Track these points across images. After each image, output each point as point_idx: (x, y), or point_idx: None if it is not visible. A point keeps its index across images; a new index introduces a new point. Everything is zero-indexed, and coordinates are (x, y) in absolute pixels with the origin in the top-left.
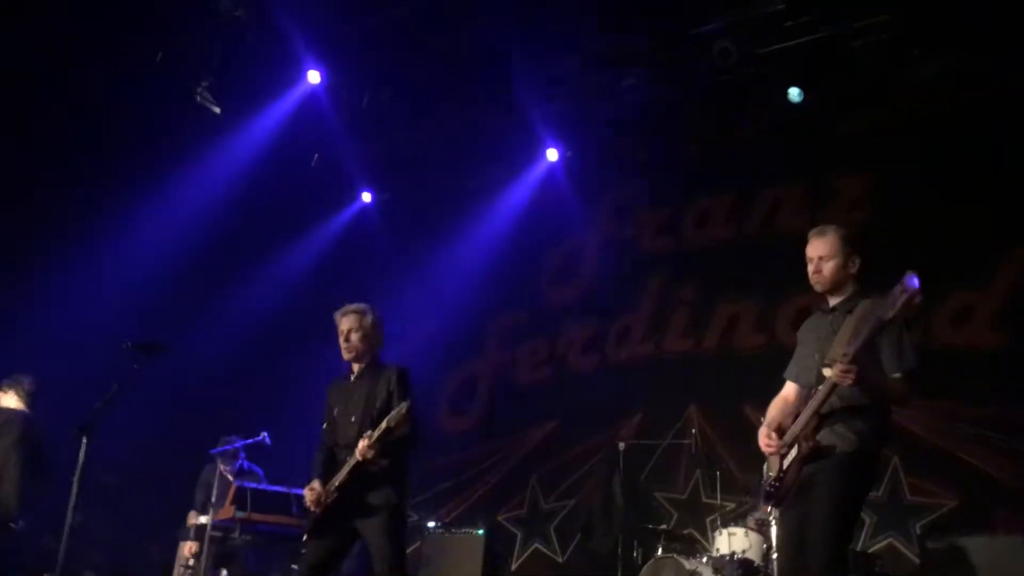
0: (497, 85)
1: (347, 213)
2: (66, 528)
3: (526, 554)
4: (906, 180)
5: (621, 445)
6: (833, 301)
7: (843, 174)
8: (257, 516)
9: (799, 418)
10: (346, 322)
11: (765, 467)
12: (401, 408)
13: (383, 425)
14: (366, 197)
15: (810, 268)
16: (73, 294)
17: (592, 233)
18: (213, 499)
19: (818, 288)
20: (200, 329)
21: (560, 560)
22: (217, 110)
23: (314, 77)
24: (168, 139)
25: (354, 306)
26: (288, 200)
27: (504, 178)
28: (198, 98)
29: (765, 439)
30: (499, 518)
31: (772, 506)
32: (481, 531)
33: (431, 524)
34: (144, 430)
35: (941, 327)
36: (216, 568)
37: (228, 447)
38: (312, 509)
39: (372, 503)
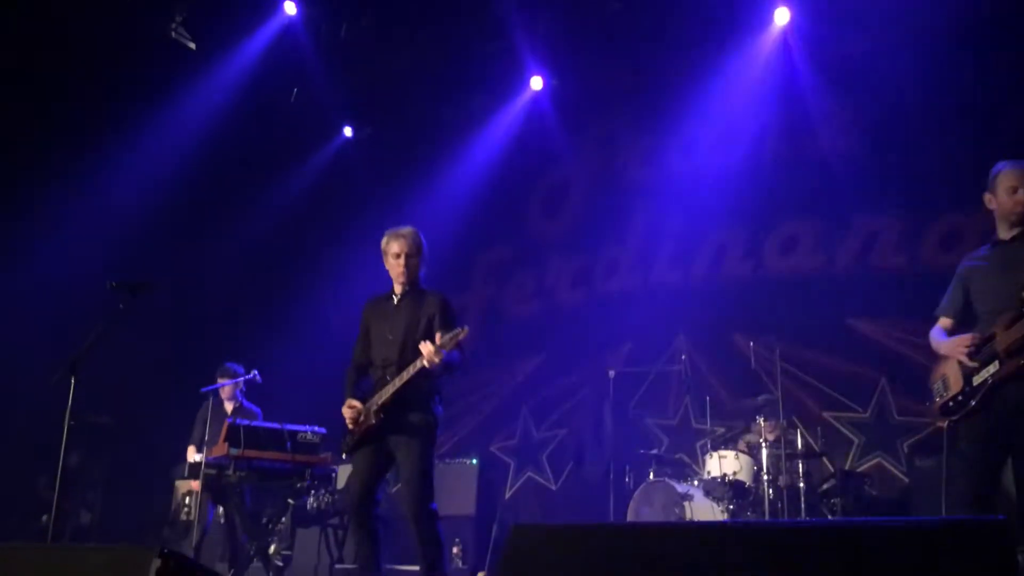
0: (479, 11)
1: (329, 148)
2: (59, 470)
3: (519, 482)
4: (895, 103)
5: (611, 373)
6: (1011, 233)
7: (829, 99)
8: (251, 453)
9: (1002, 335)
10: (397, 245)
11: (939, 382)
12: (461, 331)
13: (445, 338)
14: (347, 131)
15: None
16: (55, 233)
17: (578, 164)
18: (207, 437)
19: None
20: (186, 266)
21: (553, 487)
22: (192, 46)
23: (290, 8)
24: (144, 76)
25: (405, 229)
26: (269, 136)
27: (488, 109)
28: (173, 34)
29: (962, 348)
30: (492, 448)
31: (951, 421)
32: (474, 461)
33: None
34: (137, 369)
35: (930, 249)
36: (213, 505)
37: (217, 385)
38: (351, 428)
39: (410, 422)
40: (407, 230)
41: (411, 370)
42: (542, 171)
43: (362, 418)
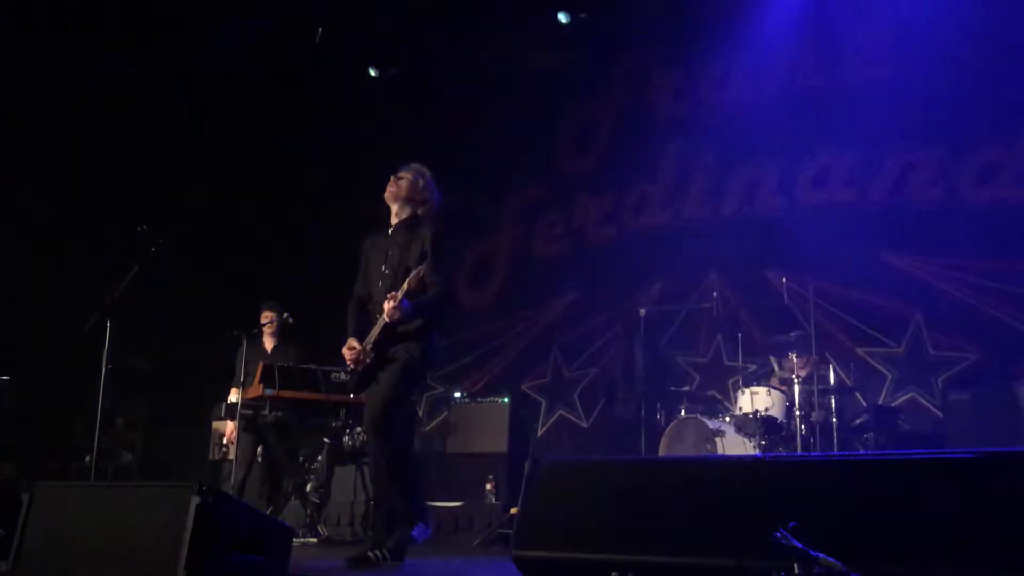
0: None
1: (354, 90)
2: (98, 412)
3: (551, 420)
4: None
5: (642, 311)
6: None
7: (861, 32)
8: (286, 393)
9: None
10: (402, 171)
11: None
12: (418, 270)
13: (404, 287)
14: (372, 72)
15: None
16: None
17: (607, 99)
18: (242, 377)
19: None
20: (218, 208)
21: (585, 425)
22: None
23: None
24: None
25: (415, 164)
26: (295, 76)
27: (514, 45)
28: None
29: None
30: (523, 387)
31: None
32: (506, 399)
33: (457, 395)
34: (173, 312)
35: (966, 183)
36: (253, 445)
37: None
38: (352, 367)
39: (394, 356)
40: (417, 165)
41: (379, 325)
42: (570, 108)
43: (361, 356)
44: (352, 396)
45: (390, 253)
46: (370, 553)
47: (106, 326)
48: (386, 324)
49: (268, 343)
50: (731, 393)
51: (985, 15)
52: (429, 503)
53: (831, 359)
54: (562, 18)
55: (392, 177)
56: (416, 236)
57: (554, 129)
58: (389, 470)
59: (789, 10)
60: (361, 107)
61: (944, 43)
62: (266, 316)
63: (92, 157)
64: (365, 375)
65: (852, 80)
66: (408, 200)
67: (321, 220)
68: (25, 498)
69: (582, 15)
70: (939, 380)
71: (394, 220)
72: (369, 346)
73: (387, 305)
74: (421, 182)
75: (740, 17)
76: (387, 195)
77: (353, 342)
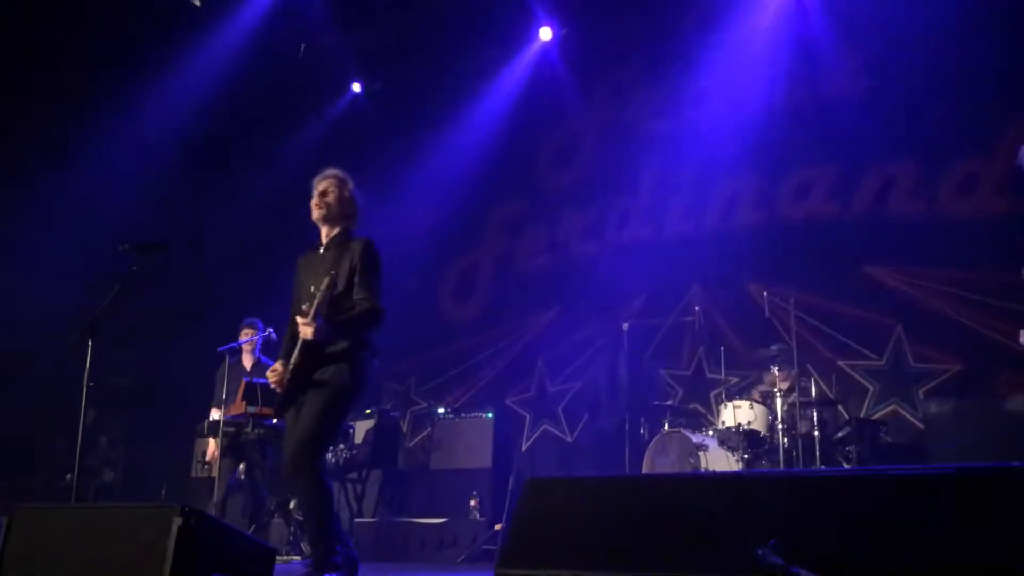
0: None
1: (339, 105)
2: (80, 430)
3: (536, 435)
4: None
5: (625, 325)
6: None
7: (843, 44)
8: (268, 410)
9: None
10: (323, 184)
11: None
12: (327, 282)
13: (314, 303)
14: (356, 87)
15: None
16: (70, 194)
17: (589, 115)
18: (224, 395)
19: None
20: (199, 226)
21: (569, 439)
22: (198, 3)
23: None
24: (149, 34)
25: (333, 171)
26: (278, 93)
27: (497, 61)
28: None
29: None
30: (507, 401)
31: None
32: (490, 414)
33: (440, 410)
34: (154, 330)
35: (947, 195)
36: (235, 463)
37: (234, 344)
38: (277, 390)
39: (318, 380)
40: (336, 171)
41: (299, 346)
42: (553, 123)
43: (284, 379)
44: (275, 420)
45: (320, 271)
46: None
47: (88, 344)
48: (308, 345)
49: (247, 361)
50: (714, 407)
51: (964, 27)
52: (413, 520)
53: (813, 372)
54: (544, 35)
55: (316, 196)
56: (347, 251)
57: (537, 143)
58: (307, 513)
59: (769, 25)
60: (342, 121)
61: (923, 56)
62: (245, 334)
63: None
64: (286, 398)
65: (832, 93)
66: (338, 217)
67: (302, 236)
68: (3, 521)
69: (564, 31)
70: (920, 392)
71: (324, 239)
72: (291, 367)
73: (301, 321)
74: (347, 194)
75: (720, 32)
76: (315, 217)
77: (279, 364)
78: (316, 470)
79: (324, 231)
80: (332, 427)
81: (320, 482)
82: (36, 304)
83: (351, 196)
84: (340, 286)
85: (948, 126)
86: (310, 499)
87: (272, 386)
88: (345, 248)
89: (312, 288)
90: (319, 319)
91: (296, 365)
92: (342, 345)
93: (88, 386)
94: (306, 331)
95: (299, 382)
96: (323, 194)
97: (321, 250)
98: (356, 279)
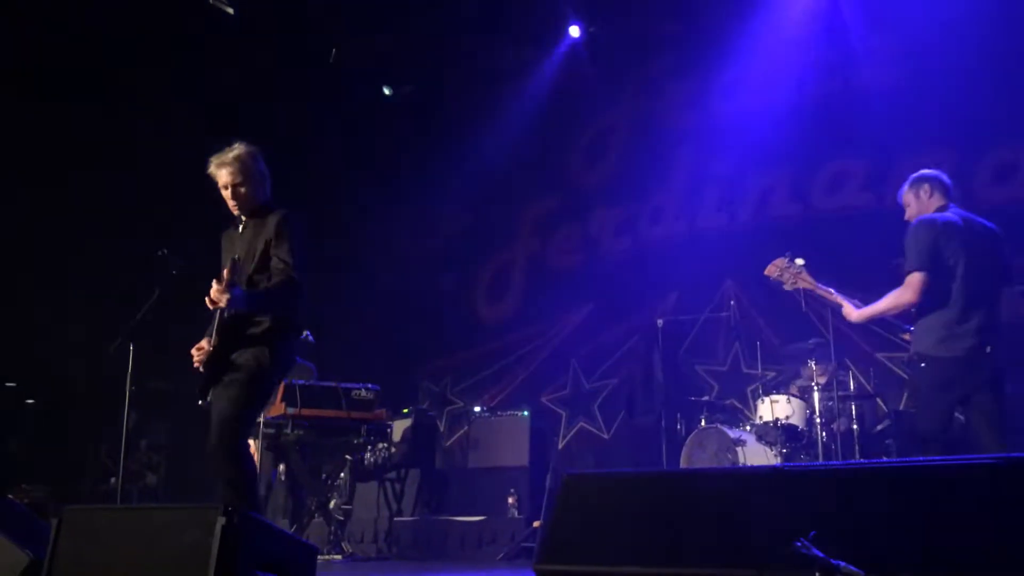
0: None
1: (370, 106)
2: (123, 434)
3: (572, 432)
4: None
5: (659, 322)
6: None
7: (873, 34)
8: (307, 411)
9: None
10: (224, 175)
11: None
12: (236, 258)
13: (225, 273)
14: (386, 90)
15: None
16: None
17: (620, 111)
18: None
19: None
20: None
21: (606, 437)
22: (230, 11)
23: None
24: (173, 46)
25: (228, 154)
26: (311, 98)
27: (526, 60)
28: (210, 0)
29: None
30: (543, 399)
31: None
32: (526, 412)
33: (476, 409)
34: (195, 334)
35: (982, 185)
36: (275, 463)
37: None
38: (200, 369)
39: (236, 361)
40: (230, 155)
41: (215, 321)
42: (584, 120)
43: (203, 357)
44: (200, 403)
45: (239, 248)
46: None
47: (129, 349)
48: (226, 325)
49: None
50: (751, 401)
51: (995, 16)
52: (452, 518)
53: (851, 365)
54: (574, 32)
55: (226, 191)
56: (264, 224)
57: (568, 141)
58: (226, 495)
59: (800, 17)
60: (374, 121)
61: (955, 46)
62: None
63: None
64: (206, 380)
65: (864, 84)
66: (251, 200)
67: (335, 237)
68: (54, 522)
69: (592, 29)
70: None
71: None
72: (210, 347)
73: (215, 287)
74: (255, 174)
75: (751, 24)
76: (235, 211)
77: (203, 342)
78: (237, 453)
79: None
80: (251, 410)
81: (240, 463)
82: (75, 308)
83: (251, 166)
84: (256, 262)
85: (982, 114)
86: (230, 481)
87: (195, 365)
88: (263, 222)
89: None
90: (236, 288)
91: (215, 346)
92: (262, 325)
93: (130, 390)
94: (221, 298)
95: (219, 363)
96: (232, 187)
97: (240, 227)
98: (272, 251)
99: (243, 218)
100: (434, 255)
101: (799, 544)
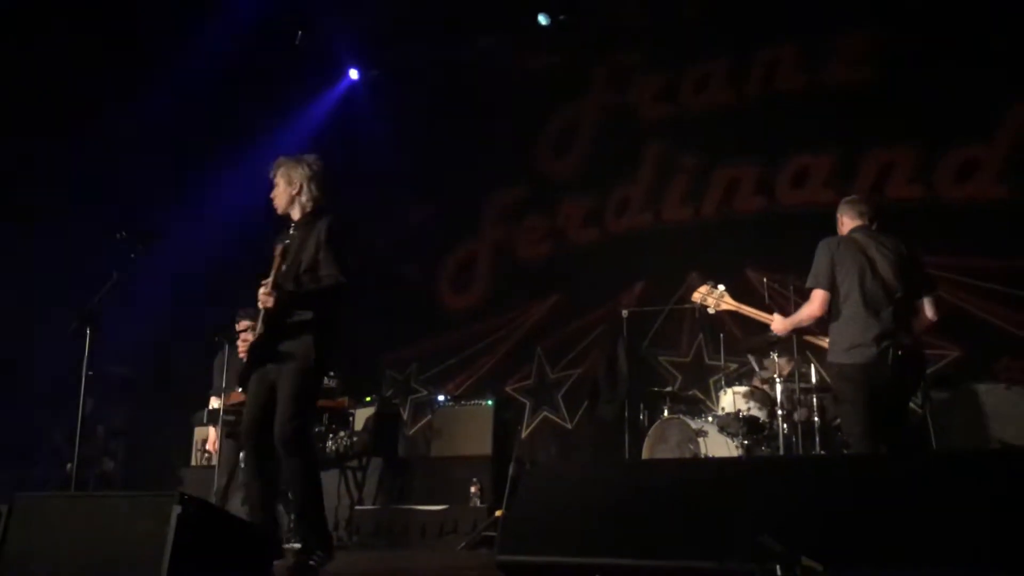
0: None
1: (335, 92)
2: (79, 420)
3: (536, 422)
4: (907, 35)
5: (624, 313)
6: None
7: (842, 32)
8: None
9: None
10: (274, 175)
11: None
12: (279, 249)
13: (273, 273)
14: (353, 74)
15: None
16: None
17: (587, 102)
18: (224, 383)
19: None
20: (190, 215)
21: (569, 426)
22: None
23: None
24: (145, 16)
25: (279, 160)
26: (274, 78)
27: (495, 48)
28: None
29: None
30: (507, 389)
31: None
32: (490, 402)
33: (440, 398)
34: (152, 320)
35: (944, 181)
36: (236, 451)
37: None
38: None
39: (284, 351)
40: (287, 159)
41: (260, 319)
42: (550, 110)
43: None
44: (239, 389)
45: (291, 250)
46: (311, 560)
47: (86, 333)
48: (270, 315)
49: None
50: (713, 393)
51: (959, 10)
52: (413, 507)
53: (813, 358)
54: (542, 20)
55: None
56: (313, 229)
57: (535, 131)
58: (303, 493)
59: (766, 12)
60: (340, 107)
61: (921, 41)
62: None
63: None
64: (248, 367)
65: (832, 79)
66: (292, 203)
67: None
68: (4, 508)
69: (561, 16)
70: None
71: (293, 220)
72: (255, 338)
73: (262, 290)
74: (298, 182)
75: (718, 18)
76: (278, 208)
77: (247, 333)
78: (308, 446)
79: (291, 215)
80: (309, 403)
81: (304, 454)
82: (38, 293)
83: (302, 183)
84: (305, 263)
85: (946, 110)
86: (300, 469)
87: (240, 355)
88: (312, 226)
89: (283, 267)
90: (282, 289)
91: (260, 335)
92: (306, 316)
93: (87, 375)
94: (267, 300)
95: (264, 353)
96: (274, 187)
97: (292, 229)
98: (321, 255)
99: (292, 223)
100: (399, 244)
101: (761, 537)
